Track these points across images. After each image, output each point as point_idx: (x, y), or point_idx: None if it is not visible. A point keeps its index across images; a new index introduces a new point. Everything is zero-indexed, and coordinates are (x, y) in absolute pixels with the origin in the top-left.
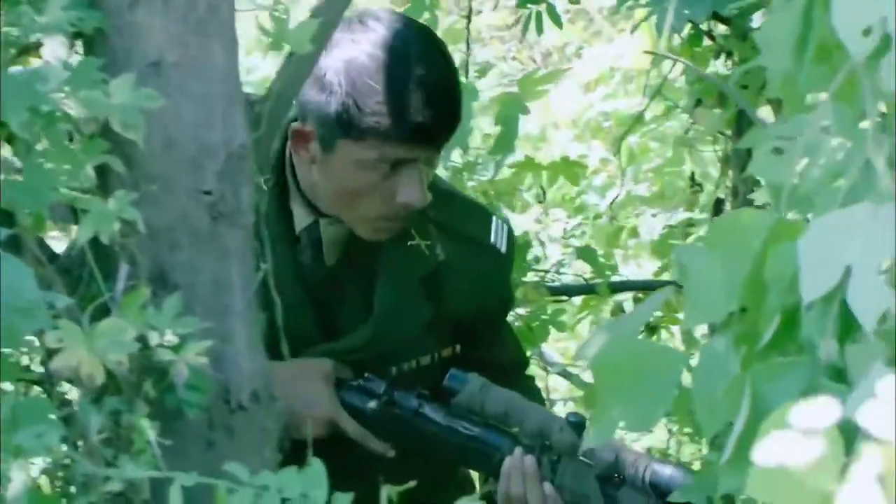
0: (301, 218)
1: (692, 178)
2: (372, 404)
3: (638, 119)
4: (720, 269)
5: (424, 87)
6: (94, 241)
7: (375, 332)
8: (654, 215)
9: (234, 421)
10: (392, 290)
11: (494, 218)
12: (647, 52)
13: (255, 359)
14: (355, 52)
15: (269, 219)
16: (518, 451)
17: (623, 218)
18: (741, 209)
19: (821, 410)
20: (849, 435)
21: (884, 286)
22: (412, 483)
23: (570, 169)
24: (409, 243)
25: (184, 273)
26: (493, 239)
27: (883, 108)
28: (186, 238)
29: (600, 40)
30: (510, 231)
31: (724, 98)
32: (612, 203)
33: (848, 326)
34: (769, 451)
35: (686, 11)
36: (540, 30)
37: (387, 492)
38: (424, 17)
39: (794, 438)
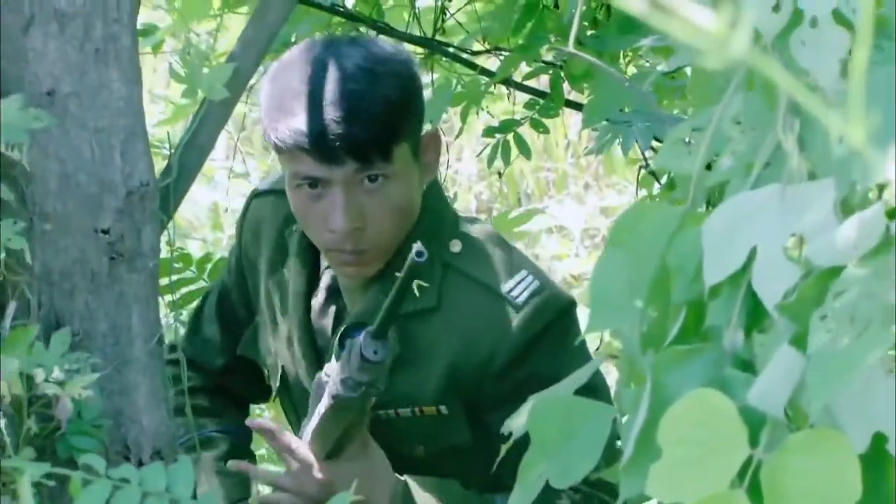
0: (323, 262)
1: None
2: None
3: None
4: (624, 269)
5: (321, 100)
6: None
7: None
8: None
9: None
10: (357, 322)
11: (526, 274)
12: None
13: (158, 414)
14: (282, 66)
15: (294, 265)
16: None
17: None
18: (645, 202)
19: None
20: (753, 422)
21: (789, 263)
22: None
23: None
24: (396, 274)
25: (81, 320)
26: (507, 288)
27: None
28: (83, 282)
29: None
30: (549, 297)
31: None
32: None
33: (755, 317)
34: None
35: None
36: (507, 160)
37: None
38: None
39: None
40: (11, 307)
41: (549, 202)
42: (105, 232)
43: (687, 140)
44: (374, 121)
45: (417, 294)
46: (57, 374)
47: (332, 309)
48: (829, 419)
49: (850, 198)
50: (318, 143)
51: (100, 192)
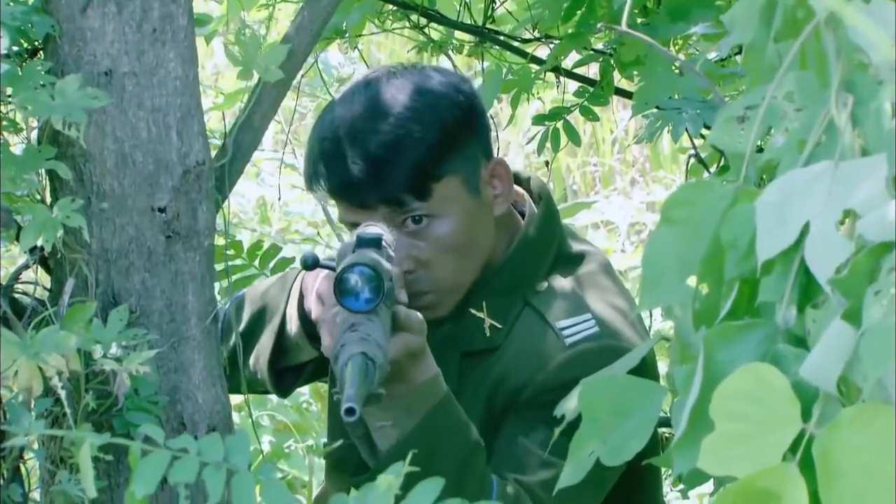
0: None
1: None
2: None
3: None
4: (676, 246)
5: (349, 145)
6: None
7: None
8: None
9: None
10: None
11: (589, 318)
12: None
13: (213, 390)
14: (326, 108)
15: None
16: None
17: None
18: (698, 180)
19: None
20: (805, 397)
21: (842, 238)
22: None
23: None
24: (471, 311)
25: (137, 298)
26: (563, 325)
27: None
28: (140, 260)
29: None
30: (603, 346)
31: None
32: None
33: (808, 292)
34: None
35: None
36: (556, 147)
37: None
38: None
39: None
40: (69, 284)
41: (595, 197)
42: (161, 210)
43: (740, 117)
44: (400, 164)
45: (488, 334)
46: (114, 350)
47: None
48: (882, 394)
49: None
50: (345, 191)
51: (156, 171)
